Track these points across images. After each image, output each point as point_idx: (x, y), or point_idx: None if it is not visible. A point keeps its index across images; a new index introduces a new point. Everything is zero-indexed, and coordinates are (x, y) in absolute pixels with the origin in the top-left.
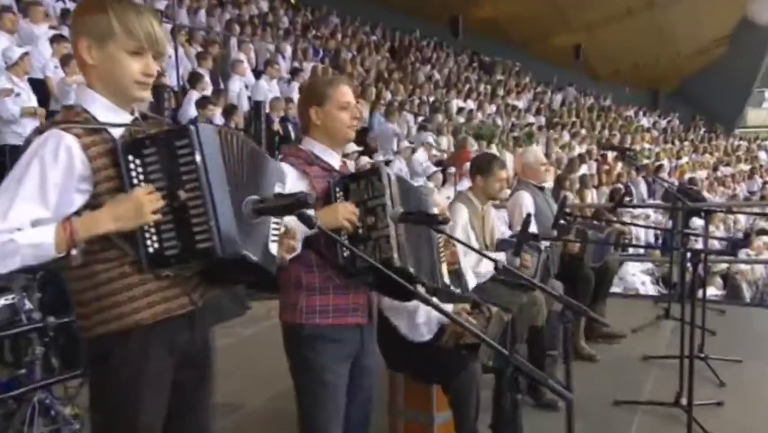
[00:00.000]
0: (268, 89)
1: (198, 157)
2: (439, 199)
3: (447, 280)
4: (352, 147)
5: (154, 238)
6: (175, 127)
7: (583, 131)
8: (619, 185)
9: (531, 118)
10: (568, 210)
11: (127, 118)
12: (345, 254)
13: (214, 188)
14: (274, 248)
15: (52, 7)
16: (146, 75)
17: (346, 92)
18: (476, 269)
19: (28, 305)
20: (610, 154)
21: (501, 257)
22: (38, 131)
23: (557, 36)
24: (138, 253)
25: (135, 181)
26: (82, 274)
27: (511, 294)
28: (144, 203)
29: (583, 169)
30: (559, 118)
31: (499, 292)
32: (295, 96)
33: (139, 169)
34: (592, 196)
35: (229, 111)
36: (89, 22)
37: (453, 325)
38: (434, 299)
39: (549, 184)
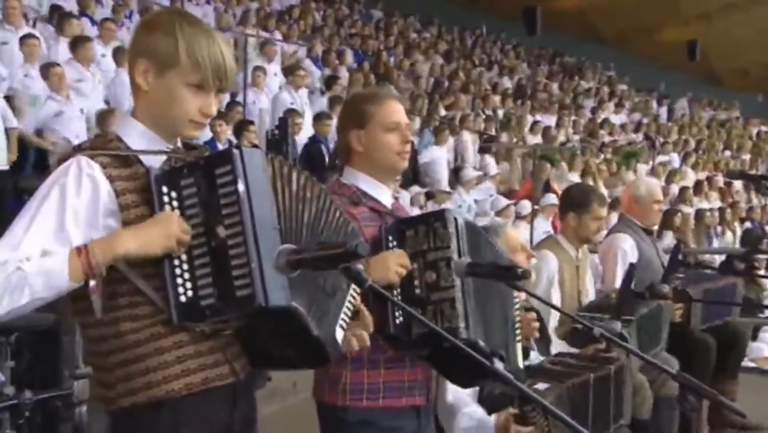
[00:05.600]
0: (291, 102)
1: (241, 187)
2: (513, 234)
3: (521, 362)
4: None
5: (188, 284)
6: (216, 152)
7: (700, 153)
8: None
9: (630, 137)
10: (683, 257)
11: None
12: (399, 319)
13: (258, 224)
14: (339, 334)
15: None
16: (203, 114)
17: (394, 110)
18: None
19: None
20: (737, 183)
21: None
22: (60, 159)
23: (665, 30)
24: (168, 304)
25: None
26: (108, 333)
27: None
28: (173, 224)
29: (700, 203)
30: (667, 136)
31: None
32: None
33: (174, 204)
34: (712, 238)
35: (241, 127)
36: (153, 43)
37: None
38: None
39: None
